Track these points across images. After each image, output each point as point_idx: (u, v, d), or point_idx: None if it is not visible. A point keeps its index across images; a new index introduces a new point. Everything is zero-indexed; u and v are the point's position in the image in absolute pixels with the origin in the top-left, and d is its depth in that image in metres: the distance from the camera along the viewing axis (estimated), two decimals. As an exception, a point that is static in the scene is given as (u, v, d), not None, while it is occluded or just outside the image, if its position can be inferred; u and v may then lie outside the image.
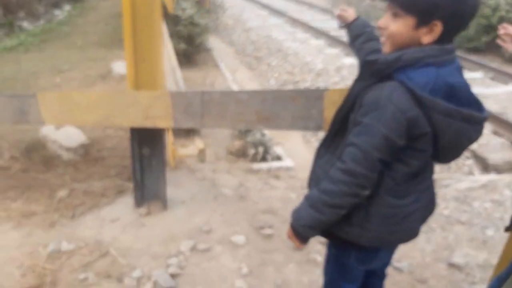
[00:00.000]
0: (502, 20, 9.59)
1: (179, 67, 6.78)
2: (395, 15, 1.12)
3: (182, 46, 7.16)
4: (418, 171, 1.19)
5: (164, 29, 4.47)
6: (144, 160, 2.24)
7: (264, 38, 9.24)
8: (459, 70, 1.16)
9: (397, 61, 1.09)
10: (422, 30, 1.10)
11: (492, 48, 9.83)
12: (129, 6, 1.95)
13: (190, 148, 1.84)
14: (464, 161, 4.03)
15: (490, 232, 2.48)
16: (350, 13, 1.71)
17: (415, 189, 1.22)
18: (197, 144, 1.84)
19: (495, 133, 4.50)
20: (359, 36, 1.61)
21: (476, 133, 1.16)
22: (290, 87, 6.59)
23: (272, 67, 7.56)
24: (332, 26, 10.92)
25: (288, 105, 1.79)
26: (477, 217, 2.64)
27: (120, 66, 5.21)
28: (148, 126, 1.93)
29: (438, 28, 1.08)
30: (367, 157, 1.10)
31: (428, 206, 1.31)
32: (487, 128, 4.59)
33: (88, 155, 2.85)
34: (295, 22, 10.48)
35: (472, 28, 9.97)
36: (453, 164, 4.03)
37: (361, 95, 1.14)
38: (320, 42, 8.59)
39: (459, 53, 9.29)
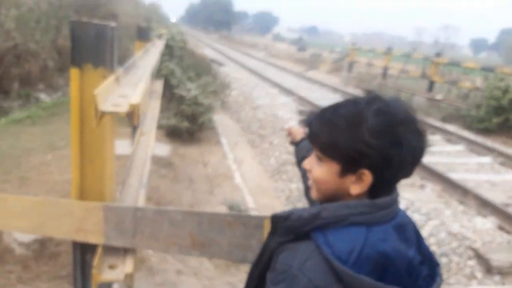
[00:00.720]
0: (512, 101, 9.51)
1: (172, 147, 6.73)
2: (320, 159, 0.93)
3: (185, 124, 7.22)
4: None
5: (156, 110, 4.46)
6: (87, 267, 2.04)
7: (270, 117, 9.29)
8: (402, 229, 0.91)
9: (314, 219, 0.86)
10: (349, 178, 0.89)
11: (504, 130, 9.65)
12: (78, 103, 1.87)
13: (117, 271, 1.65)
14: (466, 261, 3.68)
15: None
16: (298, 132, 1.56)
17: None
18: (127, 266, 1.65)
19: (501, 228, 4.16)
20: (305, 159, 1.43)
21: None
22: (288, 167, 6.43)
23: (273, 146, 7.48)
24: (340, 104, 10.99)
25: (225, 231, 1.60)
26: None
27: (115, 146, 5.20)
28: (79, 240, 1.78)
29: (367, 177, 0.88)
30: None
31: None
32: (492, 222, 4.26)
33: (44, 250, 2.66)
34: (302, 100, 10.58)
35: (483, 109, 9.89)
36: (453, 264, 3.68)
37: (276, 252, 0.92)
38: (325, 121, 8.56)
39: (468, 134, 9.11)
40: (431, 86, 12.78)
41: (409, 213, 4.75)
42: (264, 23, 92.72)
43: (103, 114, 1.33)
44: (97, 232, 1.72)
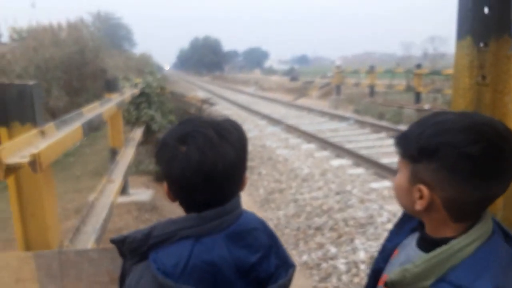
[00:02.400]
0: None
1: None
2: None
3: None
4: None
5: (129, 158, 4.57)
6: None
7: (259, 148, 9.39)
8: (239, 236, 0.95)
9: (147, 239, 0.92)
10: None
11: None
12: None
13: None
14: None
15: None
16: None
17: None
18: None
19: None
20: None
21: None
22: (276, 195, 6.46)
23: (262, 176, 7.54)
24: (327, 127, 11.11)
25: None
26: None
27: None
28: (19, 288, 1.84)
29: (166, 189, 0.99)
30: None
31: None
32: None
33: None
34: (290, 128, 10.71)
35: (468, 113, 9.96)
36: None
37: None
38: (311, 146, 8.65)
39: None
40: (417, 97, 12.93)
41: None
42: (255, 58, 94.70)
43: (8, 167, 1.42)
44: (32, 279, 1.78)
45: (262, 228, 1.03)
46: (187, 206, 0.98)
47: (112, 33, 41.40)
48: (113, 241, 0.99)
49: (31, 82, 1.88)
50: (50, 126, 2.02)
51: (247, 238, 0.97)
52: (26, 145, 1.65)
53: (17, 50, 12.38)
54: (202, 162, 0.91)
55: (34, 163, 1.42)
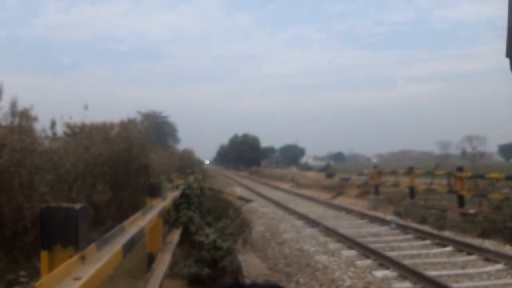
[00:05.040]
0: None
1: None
2: None
3: (206, 270, 7.09)
4: None
5: (165, 265, 4.46)
6: None
7: (296, 251, 9.05)
8: None
9: None
10: None
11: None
12: None
13: None
14: None
15: None
16: None
17: None
18: None
19: None
20: None
21: None
22: (315, 310, 6.03)
23: (299, 286, 7.13)
24: (368, 231, 10.67)
25: None
26: None
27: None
28: None
29: None
30: None
31: None
32: None
33: None
34: (329, 230, 10.37)
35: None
36: None
37: None
38: (352, 252, 8.25)
39: (510, 249, 8.42)
40: (461, 200, 12.38)
41: None
42: (291, 154, 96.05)
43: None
44: None
45: None
46: None
47: (158, 130, 43.49)
48: None
49: (78, 206, 1.90)
50: (91, 248, 1.99)
51: None
52: (65, 276, 1.60)
53: (68, 146, 13.04)
54: None
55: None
